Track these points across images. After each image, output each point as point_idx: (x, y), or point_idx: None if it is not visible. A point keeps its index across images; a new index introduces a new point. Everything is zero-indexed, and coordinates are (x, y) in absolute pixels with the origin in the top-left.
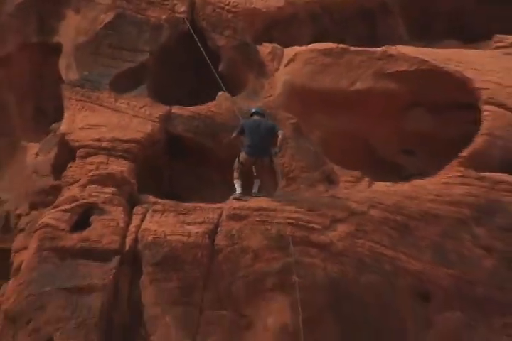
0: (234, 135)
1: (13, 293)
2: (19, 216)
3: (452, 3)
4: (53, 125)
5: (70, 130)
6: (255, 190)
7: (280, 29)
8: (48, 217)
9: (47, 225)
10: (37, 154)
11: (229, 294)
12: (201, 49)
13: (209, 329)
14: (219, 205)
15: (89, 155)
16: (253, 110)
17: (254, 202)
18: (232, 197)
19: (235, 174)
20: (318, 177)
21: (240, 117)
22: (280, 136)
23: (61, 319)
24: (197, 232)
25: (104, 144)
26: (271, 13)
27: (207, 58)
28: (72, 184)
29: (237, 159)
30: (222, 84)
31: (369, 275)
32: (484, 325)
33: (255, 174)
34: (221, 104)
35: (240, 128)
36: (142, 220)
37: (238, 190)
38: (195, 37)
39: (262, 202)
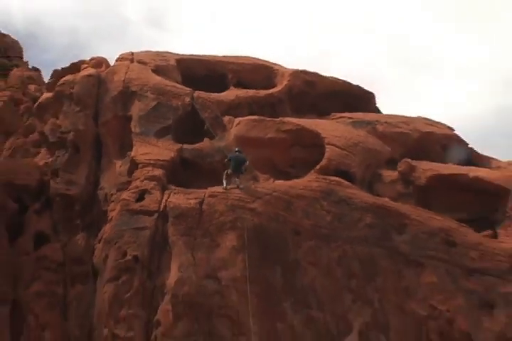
0: (226, 161)
1: (108, 229)
2: (112, 195)
3: (312, 99)
4: (128, 152)
5: (135, 155)
6: (238, 183)
7: (233, 110)
8: (125, 195)
9: (124, 199)
10: (120, 166)
11: (208, 230)
12: (202, 117)
13: (199, 247)
14: (204, 190)
15: (144, 166)
16: (236, 149)
17: (220, 189)
18: (222, 187)
19: (224, 177)
20: (249, 178)
21: (226, 153)
22: (247, 163)
23: (130, 241)
24: (194, 202)
25: (151, 161)
26: (228, 102)
27: (205, 120)
28: (136, 180)
29: (225, 172)
30: (213, 133)
31: (273, 223)
32: (325, 247)
33: (236, 178)
34: (205, 144)
35: (229, 158)
36: (168, 197)
37: (225, 185)
38: (200, 113)
39: (225, 189)
